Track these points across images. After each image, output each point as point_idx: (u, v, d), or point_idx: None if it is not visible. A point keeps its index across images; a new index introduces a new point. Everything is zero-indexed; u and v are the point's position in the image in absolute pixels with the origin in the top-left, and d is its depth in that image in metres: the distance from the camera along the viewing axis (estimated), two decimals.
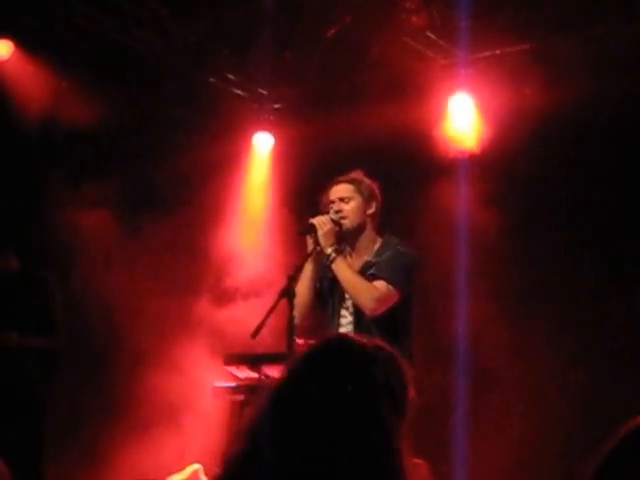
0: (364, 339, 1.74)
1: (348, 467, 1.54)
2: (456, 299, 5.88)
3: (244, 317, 5.79)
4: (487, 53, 5.53)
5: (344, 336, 1.84)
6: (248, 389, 4.85)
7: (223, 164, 6.39)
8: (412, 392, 1.70)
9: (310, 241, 4.21)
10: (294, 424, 1.58)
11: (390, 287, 4.14)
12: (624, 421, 1.45)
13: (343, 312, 4.29)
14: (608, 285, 5.68)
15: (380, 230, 4.38)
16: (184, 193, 6.36)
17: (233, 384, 5.04)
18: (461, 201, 5.91)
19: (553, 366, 5.78)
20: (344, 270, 4.16)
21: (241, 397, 4.91)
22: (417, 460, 1.77)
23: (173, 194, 6.37)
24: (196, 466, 5.36)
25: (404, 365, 1.70)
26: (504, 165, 5.81)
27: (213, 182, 6.29)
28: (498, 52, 5.51)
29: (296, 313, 3.98)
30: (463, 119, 5.73)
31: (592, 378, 5.66)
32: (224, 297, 6.27)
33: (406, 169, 6.07)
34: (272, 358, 4.48)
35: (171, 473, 5.36)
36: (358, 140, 6.03)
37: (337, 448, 1.55)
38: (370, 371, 1.64)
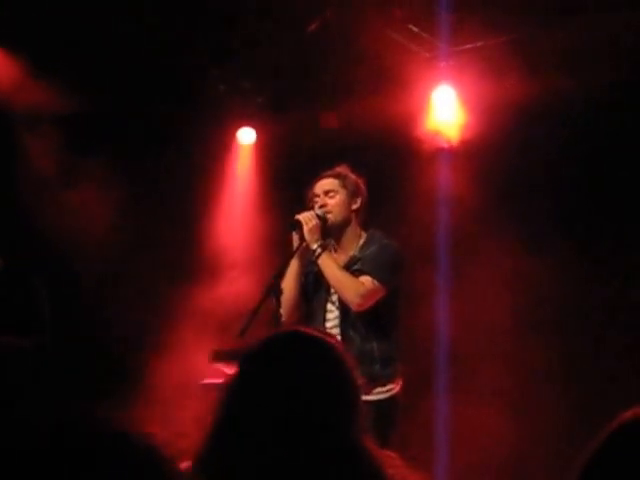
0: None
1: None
2: (437, 287, 5.92)
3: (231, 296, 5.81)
4: (469, 45, 5.53)
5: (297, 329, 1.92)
6: None
7: (206, 157, 6.36)
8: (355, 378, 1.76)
9: (296, 237, 4.23)
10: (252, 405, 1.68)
11: (376, 282, 4.17)
12: (610, 412, 1.46)
13: (329, 307, 4.31)
14: (589, 267, 5.72)
15: (365, 224, 4.40)
16: (168, 181, 6.32)
17: (220, 381, 5.03)
18: (444, 191, 5.93)
19: (537, 354, 5.81)
20: (330, 266, 4.18)
21: None
22: (389, 452, 1.78)
23: (156, 182, 6.32)
24: (186, 464, 5.36)
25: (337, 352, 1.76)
26: (486, 156, 5.82)
27: (195, 174, 6.28)
28: (480, 44, 5.51)
29: (283, 310, 3.98)
30: (446, 111, 5.74)
31: (577, 367, 5.71)
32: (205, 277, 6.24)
33: (389, 162, 6.07)
34: None
35: None
36: (342, 134, 6.04)
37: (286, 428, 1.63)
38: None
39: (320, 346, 1.75)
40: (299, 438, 1.61)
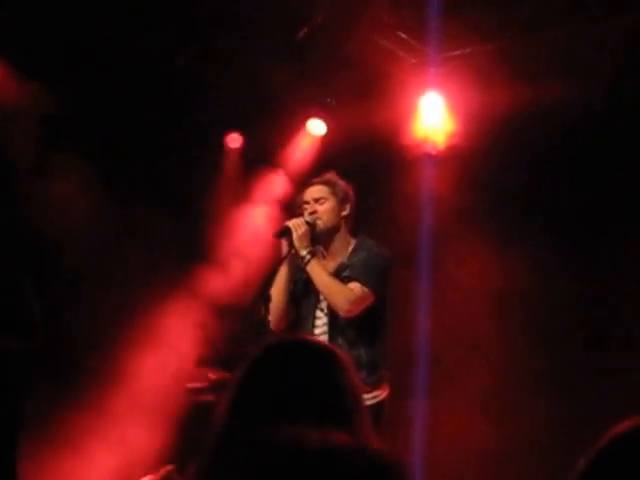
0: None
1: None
2: (419, 290, 5.94)
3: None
4: (457, 52, 5.54)
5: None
6: (217, 390, 4.87)
7: (196, 160, 6.34)
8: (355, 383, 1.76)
9: (285, 244, 4.22)
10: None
11: (365, 289, 4.17)
12: (595, 415, 1.47)
13: (318, 313, 4.31)
14: (574, 268, 5.76)
15: (354, 231, 4.40)
16: (154, 180, 6.30)
17: (205, 385, 5.04)
18: (430, 196, 5.96)
19: (515, 356, 5.85)
20: (319, 272, 4.18)
21: (211, 398, 4.93)
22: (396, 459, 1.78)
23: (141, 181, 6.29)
24: (170, 466, 5.35)
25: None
26: (473, 162, 5.85)
27: (185, 176, 6.26)
28: (468, 51, 5.52)
29: (271, 317, 3.98)
30: (433, 117, 5.75)
31: (561, 369, 5.74)
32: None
33: (377, 168, 6.10)
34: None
35: (144, 474, 5.34)
36: (329, 139, 6.05)
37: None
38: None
39: (321, 353, 1.75)
40: (299, 444, 1.61)
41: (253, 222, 6.10)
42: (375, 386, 4.24)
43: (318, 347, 1.78)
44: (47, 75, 5.41)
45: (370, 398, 4.21)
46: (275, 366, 1.71)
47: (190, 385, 5.30)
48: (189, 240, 6.24)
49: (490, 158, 5.82)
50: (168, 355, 5.94)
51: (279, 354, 1.74)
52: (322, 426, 1.62)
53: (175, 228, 6.24)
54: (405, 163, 5.85)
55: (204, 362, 5.07)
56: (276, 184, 6.16)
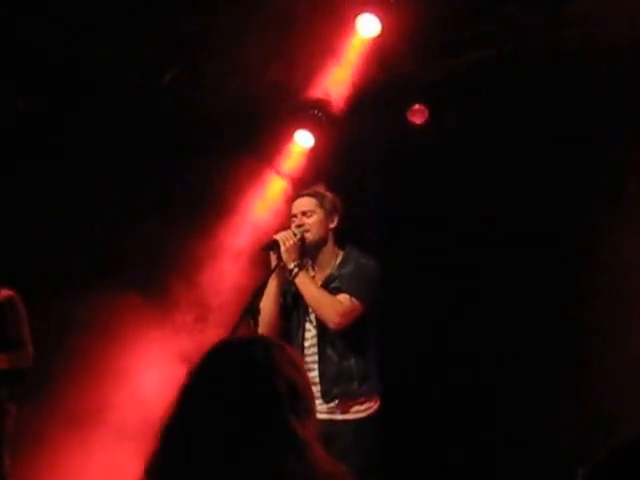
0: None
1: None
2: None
3: None
4: None
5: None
6: None
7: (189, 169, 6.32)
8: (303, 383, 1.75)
9: (273, 257, 4.21)
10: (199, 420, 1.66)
11: (353, 300, 4.16)
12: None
13: (307, 326, 4.30)
14: (549, 264, 5.75)
15: (342, 243, 4.38)
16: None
17: None
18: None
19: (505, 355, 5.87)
20: (307, 285, 4.17)
21: None
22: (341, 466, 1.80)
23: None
24: None
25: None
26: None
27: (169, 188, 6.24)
28: None
29: (260, 330, 3.96)
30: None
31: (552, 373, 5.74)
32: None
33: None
34: None
35: None
36: (317, 149, 6.06)
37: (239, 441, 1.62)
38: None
39: (243, 352, 1.74)
40: (237, 448, 1.61)
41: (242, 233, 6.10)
42: (367, 397, 4.24)
43: (255, 347, 1.75)
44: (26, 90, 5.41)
45: (362, 410, 4.22)
46: (212, 373, 1.71)
47: None
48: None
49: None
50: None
51: (214, 361, 1.74)
52: (262, 429, 1.62)
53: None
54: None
55: None
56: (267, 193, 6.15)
